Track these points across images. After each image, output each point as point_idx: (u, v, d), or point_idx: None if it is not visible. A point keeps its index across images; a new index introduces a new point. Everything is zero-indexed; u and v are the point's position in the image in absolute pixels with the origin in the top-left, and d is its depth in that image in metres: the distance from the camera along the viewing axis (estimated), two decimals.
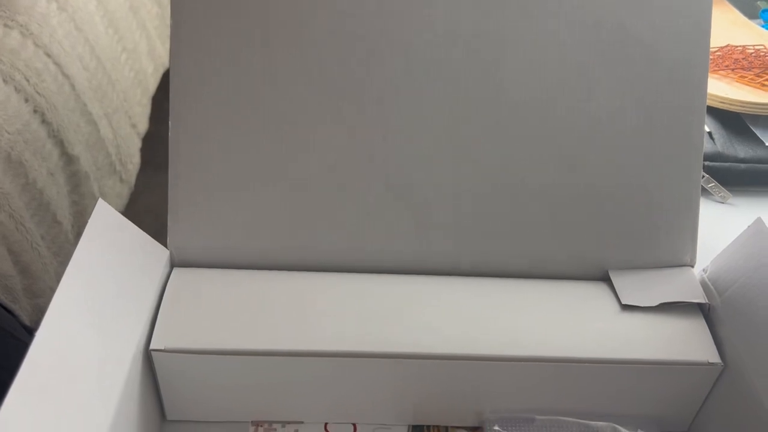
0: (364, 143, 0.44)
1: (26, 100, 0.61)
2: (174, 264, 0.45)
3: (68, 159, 0.67)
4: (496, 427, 0.43)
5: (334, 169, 0.44)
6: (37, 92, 0.62)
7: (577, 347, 0.41)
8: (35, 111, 0.62)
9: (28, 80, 0.62)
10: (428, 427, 0.45)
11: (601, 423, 0.44)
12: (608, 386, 0.43)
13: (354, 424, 0.45)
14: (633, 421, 0.44)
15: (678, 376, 0.42)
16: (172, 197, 0.44)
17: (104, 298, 0.38)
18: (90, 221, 0.39)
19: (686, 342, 0.42)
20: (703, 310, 0.44)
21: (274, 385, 0.42)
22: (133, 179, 0.82)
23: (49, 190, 0.63)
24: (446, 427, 0.45)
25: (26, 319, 0.57)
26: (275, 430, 0.44)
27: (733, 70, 0.75)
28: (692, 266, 0.47)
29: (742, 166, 0.68)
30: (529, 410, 0.44)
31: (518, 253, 0.46)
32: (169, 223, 0.44)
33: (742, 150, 0.68)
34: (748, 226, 0.43)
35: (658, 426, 0.44)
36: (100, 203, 0.40)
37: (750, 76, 0.74)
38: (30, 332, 0.54)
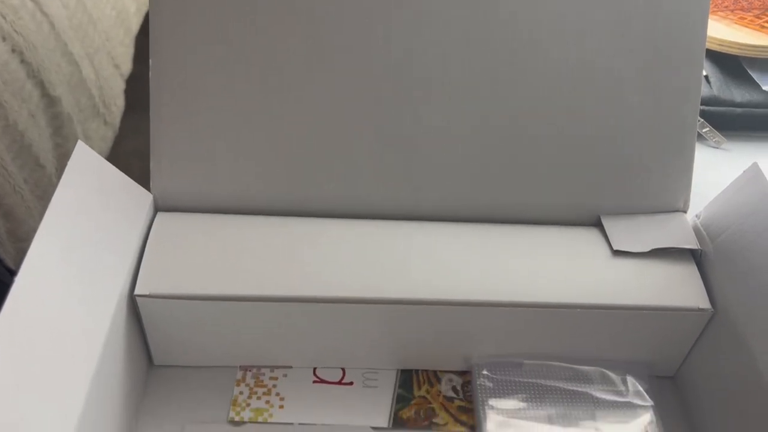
0: (353, 86, 0.42)
1: (3, 39, 0.59)
2: (158, 208, 0.44)
3: (50, 100, 0.65)
4: (485, 372, 0.43)
5: (321, 111, 0.43)
6: (15, 30, 0.60)
7: (567, 292, 0.41)
8: (13, 50, 0.60)
9: (4, 17, 0.59)
10: (417, 371, 0.45)
11: (589, 368, 0.44)
12: (598, 331, 0.43)
13: (343, 369, 0.45)
14: (621, 365, 0.44)
15: (668, 321, 0.42)
16: (155, 140, 0.42)
17: (85, 242, 0.37)
18: (69, 164, 0.38)
19: (677, 288, 0.42)
20: (695, 256, 0.44)
21: (262, 330, 0.42)
22: (117, 122, 0.80)
23: (31, 132, 0.61)
24: (435, 372, 0.45)
25: (10, 263, 0.56)
26: (263, 374, 0.44)
27: (732, 11, 0.73)
28: (685, 212, 0.46)
29: (738, 110, 0.67)
30: (517, 355, 0.44)
31: (509, 197, 0.45)
32: (152, 167, 0.43)
33: (738, 94, 0.67)
34: (743, 172, 0.42)
35: (646, 370, 0.44)
36: (80, 145, 0.39)
37: (749, 18, 0.72)
38: (13, 274, 0.53)
